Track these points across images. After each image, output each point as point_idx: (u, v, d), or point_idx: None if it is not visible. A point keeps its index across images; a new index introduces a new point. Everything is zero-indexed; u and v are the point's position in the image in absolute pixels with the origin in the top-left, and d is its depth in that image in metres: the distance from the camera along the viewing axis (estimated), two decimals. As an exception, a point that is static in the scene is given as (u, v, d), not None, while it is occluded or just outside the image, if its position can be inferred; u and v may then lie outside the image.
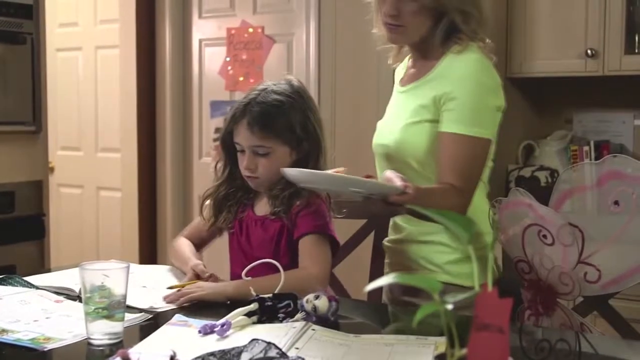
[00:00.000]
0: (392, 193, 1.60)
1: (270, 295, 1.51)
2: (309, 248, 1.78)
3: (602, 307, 1.85)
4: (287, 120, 1.82)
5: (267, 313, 1.48)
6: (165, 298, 1.68)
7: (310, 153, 1.85)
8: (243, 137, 1.82)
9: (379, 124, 2.03)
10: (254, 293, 1.54)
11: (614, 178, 1.80)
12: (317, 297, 1.46)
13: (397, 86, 2.03)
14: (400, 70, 2.06)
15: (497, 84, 1.84)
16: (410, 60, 2.01)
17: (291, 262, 1.79)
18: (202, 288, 1.68)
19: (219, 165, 1.94)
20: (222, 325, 1.40)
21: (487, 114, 1.81)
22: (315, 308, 1.45)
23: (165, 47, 4.26)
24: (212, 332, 1.40)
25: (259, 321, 1.46)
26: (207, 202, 1.95)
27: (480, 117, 1.79)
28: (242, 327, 1.43)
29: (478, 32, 1.86)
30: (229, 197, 1.91)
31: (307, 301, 1.46)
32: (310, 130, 1.85)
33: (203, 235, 2.01)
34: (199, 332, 1.40)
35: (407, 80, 1.96)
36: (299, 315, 1.46)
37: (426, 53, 1.90)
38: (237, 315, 1.43)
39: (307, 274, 1.72)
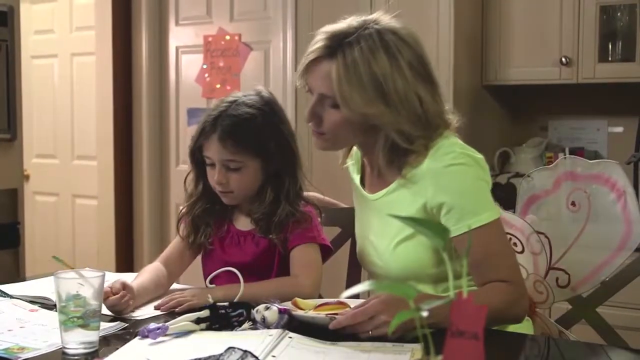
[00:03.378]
0: (325, 324, 1.44)
1: (227, 303, 1.51)
2: (300, 257, 1.78)
3: (589, 315, 1.85)
4: (259, 134, 1.76)
5: (220, 320, 1.47)
6: (158, 307, 1.65)
7: (284, 167, 1.80)
8: (214, 151, 1.76)
9: (358, 234, 1.85)
10: (210, 300, 1.53)
11: (567, 179, 1.83)
12: (267, 308, 1.45)
13: (359, 189, 1.81)
14: (353, 165, 1.86)
15: (478, 164, 1.62)
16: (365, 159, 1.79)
17: (283, 273, 1.79)
18: (192, 295, 1.65)
19: (189, 179, 1.87)
20: (157, 328, 1.39)
21: (483, 196, 1.61)
22: (264, 319, 1.44)
23: (141, 54, 4.24)
24: (147, 336, 1.38)
25: (210, 328, 1.46)
26: (183, 222, 1.88)
27: (480, 201, 1.59)
28: (219, 334, 1.42)
29: (428, 138, 1.61)
30: (205, 213, 1.85)
31: (257, 311, 1.46)
32: (283, 143, 1.80)
33: (184, 255, 1.89)
34: (138, 335, 1.40)
35: (374, 186, 1.75)
36: (246, 325, 1.45)
37: (376, 161, 1.69)
38: (181, 321, 1.43)
39: (299, 282, 1.73)
